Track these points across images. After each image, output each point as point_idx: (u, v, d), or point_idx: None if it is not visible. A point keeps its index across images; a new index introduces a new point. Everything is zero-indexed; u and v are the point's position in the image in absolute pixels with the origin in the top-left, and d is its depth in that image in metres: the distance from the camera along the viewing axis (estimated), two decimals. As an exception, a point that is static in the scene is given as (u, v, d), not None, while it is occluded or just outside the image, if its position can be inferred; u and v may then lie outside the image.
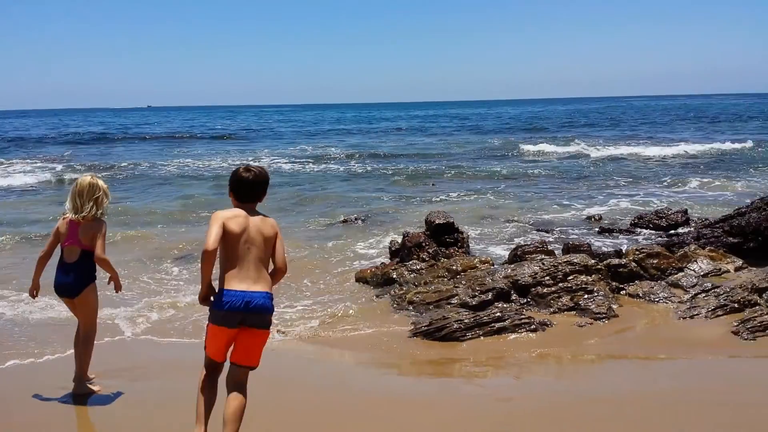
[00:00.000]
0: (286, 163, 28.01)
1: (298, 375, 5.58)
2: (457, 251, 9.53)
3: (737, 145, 29.12)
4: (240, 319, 3.90)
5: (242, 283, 3.92)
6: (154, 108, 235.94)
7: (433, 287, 8.01)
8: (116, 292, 5.34)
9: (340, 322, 7.05)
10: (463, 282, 7.94)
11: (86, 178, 5.04)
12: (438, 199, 16.68)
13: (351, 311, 7.47)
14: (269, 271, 4.09)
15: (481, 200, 16.30)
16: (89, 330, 5.12)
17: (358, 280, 8.91)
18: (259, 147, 38.49)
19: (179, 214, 14.66)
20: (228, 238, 3.94)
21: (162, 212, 14.98)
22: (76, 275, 4.97)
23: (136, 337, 6.72)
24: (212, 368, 4.10)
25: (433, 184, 19.87)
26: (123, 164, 27.22)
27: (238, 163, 27.14)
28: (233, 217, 4.00)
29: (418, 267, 8.73)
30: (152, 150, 36.23)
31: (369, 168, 25.27)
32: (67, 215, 5.00)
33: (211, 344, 4.01)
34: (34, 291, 5.21)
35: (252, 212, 4.10)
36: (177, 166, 26.53)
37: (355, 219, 13.50)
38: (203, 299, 4.05)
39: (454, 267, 8.48)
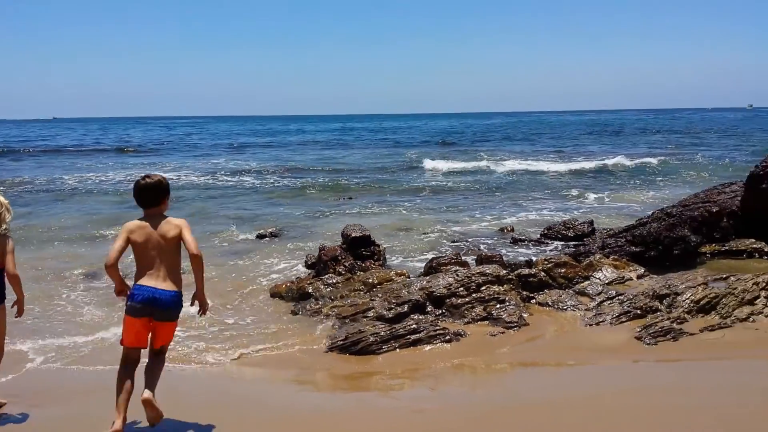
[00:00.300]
0: (198, 176, 27.34)
1: (215, 396, 5.40)
2: (374, 264, 9.55)
3: (644, 159, 30.63)
4: (149, 312, 4.41)
5: (150, 280, 4.44)
6: (60, 120, 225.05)
7: (349, 301, 7.99)
8: (17, 316, 4.99)
9: (255, 340, 6.90)
10: (380, 295, 7.96)
11: None
12: (353, 212, 16.69)
13: (266, 328, 7.33)
14: (181, 269, 4.58)
15: (395, 214, 16.43)
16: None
17: (273, 295, 8.76)
18: (171, 160, 37.42)
19: (82, 232, 13.98)
20: (135, 248, 4.48)
21: (63, 229, 14.25)
22: None
23: (40, 366, 6.29)
24: (129, 360, 4.51)
25: (350, 198, 19.89)
26: (22, 179, 25.79)
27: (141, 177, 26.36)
28: (137, 229, 4.49)
29: (334, 281, 8.68)
30: (55, 164, 34.52)
31: (285, 181, 25.04)
32: None
33: (127, 334, 4.49)
34: None
35: (156, 218, 4.55)
36: (79, 180, 25.38)
37: (270, 234, 13.30)
38: (118, 293, 4.56)
39: (370, 280, 8.49)
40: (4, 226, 4.80)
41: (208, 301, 4.81)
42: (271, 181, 25.41)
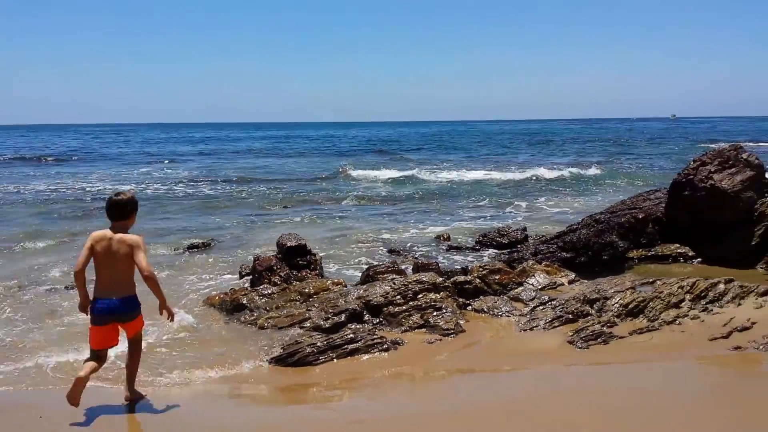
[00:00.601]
0: (128, 185, 26.47)
1: (151, 415, 5.17)
2: (310, 274, 9.43)
3: (575, 167, 31.54)
4: (112, 320, 5.06)
5: (105, 292, 5.03)
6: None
7: (285, 311, 7.87)
8: None
9: (188, 356, 6.66)
10: (316, 305, 7.87)
11: None
12: (287, 222, 16.51)
13: (199, 342, 7.10)
14: (133, 276, 5.12)
15: (330, 223, 16.34)
16: None
17: (206, 306, 8.52)
18: (96, 168, 36.12)
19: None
20: (95, 256, 5.04)
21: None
22: None
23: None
24: (97, 358, 5.13)
25: (285, 207, 19.68)
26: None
27: (63, 187, 25.49)
28: (99, 239, 5.06)
29: (270, 291, 8.53)
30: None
31: (217, 190, 24.56)
32: None
33: (94, 340, 5.10)
34: None
35: (117, 231, 5.12)
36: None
37: (202, 244, 12.99)
38: (82, 308, 5.11)
39: (306, 290, 8.38)
40: None
41: (174, 310, 5.45)
42: (204, 190, 24.88)
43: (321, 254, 10.71)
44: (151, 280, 5.03)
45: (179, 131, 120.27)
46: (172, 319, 5.37)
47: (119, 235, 5.08)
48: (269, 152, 52.12)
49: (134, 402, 5.28)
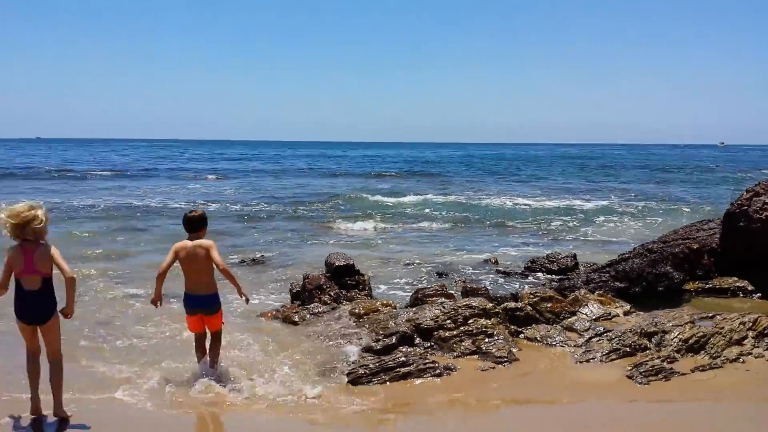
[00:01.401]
0: (180, 202, 26.92)
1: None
2: (359, 294, 9.41)
3: (625, 195, 30.96)
4: (196, 311, 6.22)
5: (192, 289, 6.19)
6: (45, 140, 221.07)
7: (335, 331, 7.84)
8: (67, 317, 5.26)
9: (241, 371, 6.63)
10: (367, 325, 7.83)
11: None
12: (333, 241, 16.57)
13: (250, 357, 7.10)
14: (214, 276, 6.19)
15: (377, 243, 16.33)
16: (59, 356, 5.27)
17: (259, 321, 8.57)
18: (148, 184, 36.92)
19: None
20: (180, 261, 6.12)
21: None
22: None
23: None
24: (198, 338, 6.42)
25: (330, 226, 19.77)
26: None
27: (130, 200, 26.16)
28: (180, 248, 6.14)
29: (320, 310, 8.55)
30: (53, 188, 33.39)
31: (264, 208, 24.83)
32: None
33: (190, 325, 6.39)
34: None
35: (194, 239, 6.17)
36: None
37: (252, 260, 13.11)
38: (153, 301, 6.19)
39: (356, 310, 8.36)
40: (46, 236, 5.15)
41: (246, 294, 6.38)
42: (252, 207, 25.18)
43: (369, 274, 10.70)
44: (226, 272, 6.07)
45: (229, 148, 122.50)
46: (247, 302, 6.40)
47: (196, 241, 6.13)
48: (311, 171, 52.59)
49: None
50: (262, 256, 13.78)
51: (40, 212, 5.05)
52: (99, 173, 44.42)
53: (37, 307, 5.10)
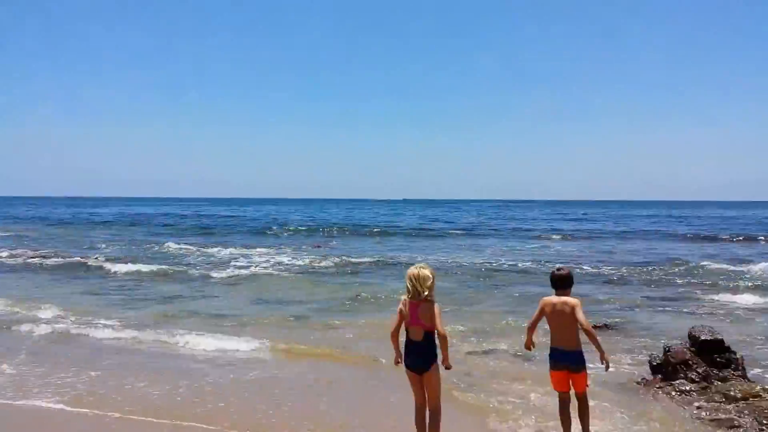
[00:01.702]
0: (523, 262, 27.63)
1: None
2: (733, 374, 8.55)
3: None
4: (564, 367, 6.32)
5: (558, 344, 6.33)
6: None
7: (706, 413, 7.27)
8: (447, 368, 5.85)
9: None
10: (746, 412, 7.08)
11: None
12: (688, 311, 15.25)
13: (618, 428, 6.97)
14: (578, 334, 6.23)
15: (745, 317, 14.59)
16: (437, 406, 5.78)
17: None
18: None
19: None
20: (547, 315, 6.41)
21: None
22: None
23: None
24: (561, 399, 6.44)
25: (684, 291, 18.30)
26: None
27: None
28: (548, 303, 6.43)
29: (688, 388, 8.01)
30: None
31: (609, 270, 24.07)
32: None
33: (554, 383, 6.46)
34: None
35: (561, 295, 6.41)
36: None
37: (604, 325, 12.84)
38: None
39: (731, 393, 7.64)
40: (429, 293, 5.70)
41: (608, 359, 6.23)
42: (598, 269, 24.65)
43: (739, 353, 9.62)
44: (589, 333, 6.06)
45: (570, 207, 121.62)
46: (607, 368, 6.21)
47: (564, 298, 6.36)
48: (658, 233, 49.24)
49: None
50: (615, 321, 13.37)
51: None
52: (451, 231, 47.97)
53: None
